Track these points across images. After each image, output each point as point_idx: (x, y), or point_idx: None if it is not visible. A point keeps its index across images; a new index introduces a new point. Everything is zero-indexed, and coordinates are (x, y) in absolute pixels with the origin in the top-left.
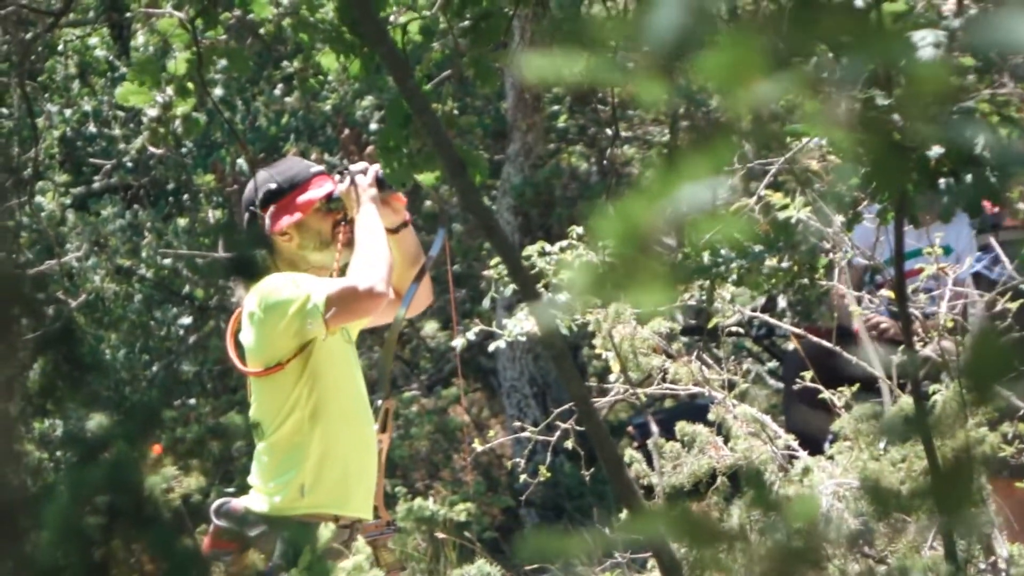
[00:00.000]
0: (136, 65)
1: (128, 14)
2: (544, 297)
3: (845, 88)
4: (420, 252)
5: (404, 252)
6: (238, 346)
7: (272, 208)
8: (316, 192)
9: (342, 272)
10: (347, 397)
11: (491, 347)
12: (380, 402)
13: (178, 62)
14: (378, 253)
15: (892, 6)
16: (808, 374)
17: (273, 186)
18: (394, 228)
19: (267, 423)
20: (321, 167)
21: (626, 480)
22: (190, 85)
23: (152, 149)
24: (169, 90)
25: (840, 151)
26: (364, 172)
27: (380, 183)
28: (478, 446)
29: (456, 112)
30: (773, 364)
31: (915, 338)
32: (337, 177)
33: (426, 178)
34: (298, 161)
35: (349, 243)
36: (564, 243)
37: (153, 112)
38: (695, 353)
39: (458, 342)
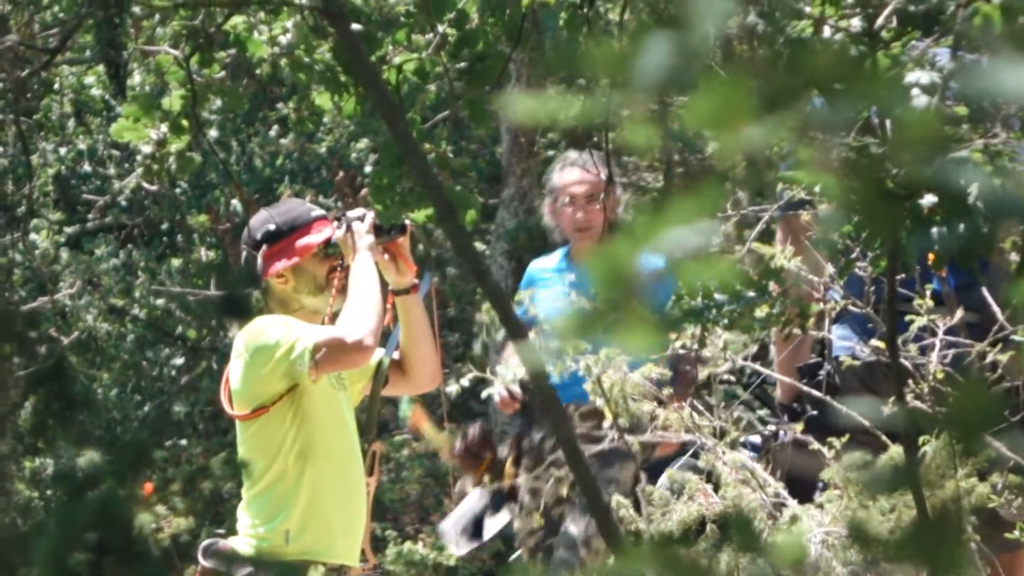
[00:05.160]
0: (132, 100)
1: (124, 53)
2: (533, 341)
3: (837, 134)
4: (427, 328)
5: (410, 321)
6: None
7: (269, 249)
8: (315, 237)
9: (334, 318)
10: (335, 443)
11: (484, 394)
12: (367, 445)
13: (173, 99)
14: (368, 303)
15: (886, 52)
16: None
17: (272, 227)
18: (399, 290)
19: (253, 467)
20: (322, 211)
21: (611, 524)
22: (184, 122)
23: (146, 186)
24: (164, 127)
25: (831, 198)
26: (361, 218)
27: (378, 230)
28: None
29: (450, 154)
30: (763, 412)
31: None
32: (335, 223)
33: (418, 216)
34: (299, 203)
35: (343, 289)
36: None
37: (147, 148)
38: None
39: (452, 388)
